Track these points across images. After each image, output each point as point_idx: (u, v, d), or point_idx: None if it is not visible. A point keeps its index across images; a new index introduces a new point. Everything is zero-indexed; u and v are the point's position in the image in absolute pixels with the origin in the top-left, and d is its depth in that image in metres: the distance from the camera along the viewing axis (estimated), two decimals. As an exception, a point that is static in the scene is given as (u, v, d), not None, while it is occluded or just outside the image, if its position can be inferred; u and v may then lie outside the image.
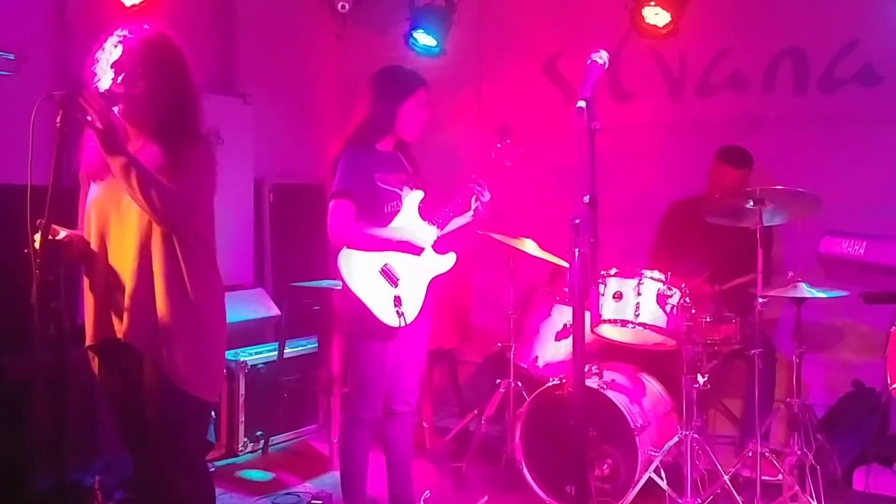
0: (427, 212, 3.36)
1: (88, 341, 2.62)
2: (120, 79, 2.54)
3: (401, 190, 3.33)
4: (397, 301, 3.18)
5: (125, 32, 2.59)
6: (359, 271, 3.18)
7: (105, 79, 2.56)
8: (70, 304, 2.64)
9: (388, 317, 3.16)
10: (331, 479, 4.13)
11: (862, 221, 4.08)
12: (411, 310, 3.22)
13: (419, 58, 5.31)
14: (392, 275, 3.22)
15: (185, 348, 2.54)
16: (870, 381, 4.20)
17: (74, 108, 2.39)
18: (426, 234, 3.28)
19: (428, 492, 3.67)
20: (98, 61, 2.60)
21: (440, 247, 3.37)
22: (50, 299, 2.43)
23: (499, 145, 3.53)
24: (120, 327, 2.55)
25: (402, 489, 3.54)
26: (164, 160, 2.54)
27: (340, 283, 3.19)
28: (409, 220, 3.31)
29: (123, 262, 2.55)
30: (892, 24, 4.37)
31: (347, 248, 3.19)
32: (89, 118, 2.41)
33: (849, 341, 4.43)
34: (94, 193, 2.63)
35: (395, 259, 3.24)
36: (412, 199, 3.35)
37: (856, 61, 4.46)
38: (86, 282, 2.63)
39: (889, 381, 3.23)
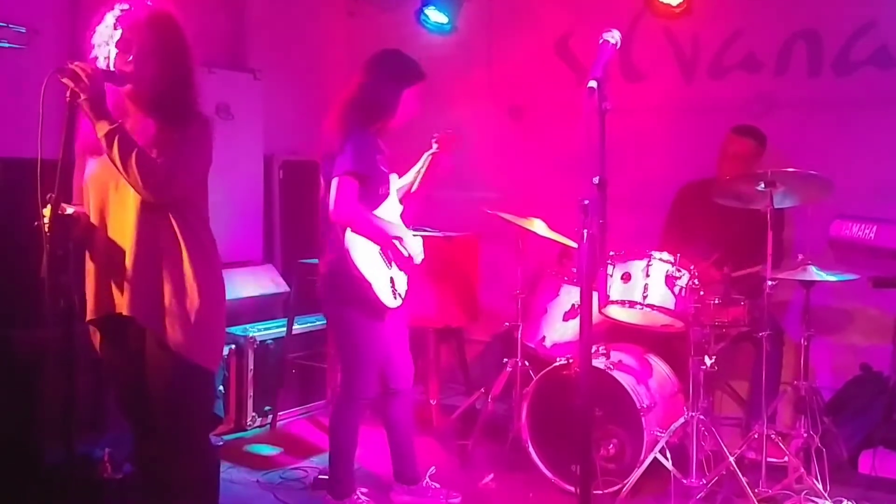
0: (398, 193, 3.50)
1: (89, 316, 2.63)
2: (129, 58, 2.54)
3: (390, 174, 3.41)
4: (392, 282, 3.29)
5: (126, 7, 2.58)
6: (363, 250, 3.23)
7: (110, 56, 2.56)
8: (78, 279, 2.66)
9: (386, 297, 3.26)
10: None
11: (874, 205, 4.05)
12: (403, 290, 3.35)
13: (430, 35, 5.30)
14: (388, 256, 3.33)
15: (186, 318, 2.56)
16: (878, 366, 4.20)
17: (65, 76, 2.40)
18: (417, 245, 3.39)
19: (433, 468, 3.69)
20: (97, 34, 2.59)
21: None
22: (59, 274, 2.47)
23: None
24: (121, 301, 2.57)
25: (406, 466, 3.59)
26: (157, 134, 2.54)
27: (345, 259, 3.20)
28: (393, 208, 3.43)
29: (123, 236, 2.56)
30: (908, 5, 4.33)
31: (345, 223, 3.20)
32: (74, 86, 2.41)
33: (857, 325, 4.42)
34: (92, 168, 2.63)
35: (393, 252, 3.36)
36: (394, 182, 3.44)
37: (871, 43, 4.41)
38: (87, 256, 2.64)
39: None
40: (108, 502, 3.19)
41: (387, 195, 3.37)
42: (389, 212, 3.39)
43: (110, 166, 2.52)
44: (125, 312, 2.56)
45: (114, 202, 2.58)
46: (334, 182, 3.17)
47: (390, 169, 3.42)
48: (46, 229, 2.39)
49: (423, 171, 3.59)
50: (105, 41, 2.57)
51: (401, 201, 3.51)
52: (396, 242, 3.31)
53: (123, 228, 2.56)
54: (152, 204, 2.53)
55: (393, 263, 3.33)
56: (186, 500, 2.71)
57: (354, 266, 3.18)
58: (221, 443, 3.46)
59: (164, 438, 2.64)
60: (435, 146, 3.57)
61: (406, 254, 3.34)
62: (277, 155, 5.40)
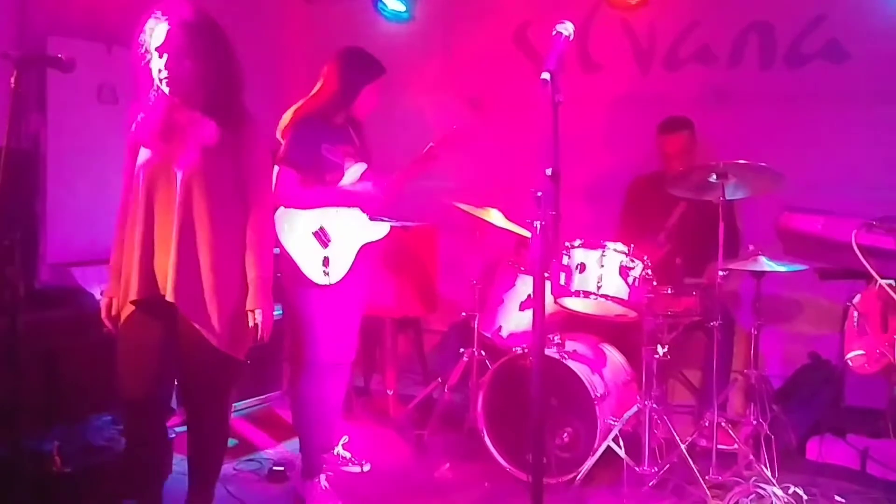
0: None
1: (133, 296, 2.77)
2: (167, 61, 2.70)
3: (344, 162, 3.48)
4: (325, 262, 3.39)
5: (164, 15, 2.71)
6: (293, 231, 3.38)
7: (154, 62, 2.71)
8: (27, 270, 2.62)
9: (314, 274, 3.36)
10: (293, 446, 4.13)
11: (824, 198, 4.12)
12: (338, 271, 3.41)
13: (388, 23, 5.27)
14: (325, 237, 3.41)
15: (222, 310, 2.74)
16: (826, 354, 4.27)
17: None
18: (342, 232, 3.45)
19: (346, 437, 3.86)
20: (142, 45, 2.72)
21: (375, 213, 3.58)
22: (5, 264, 2.44)
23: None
24: (164, 286, 2.72)
25: (312, 453, 3.55)
26: (222, 137, 2.73)
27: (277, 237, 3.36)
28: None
29: (167, 225, 2.73)
30: None
31: (286, 207, 3.38)
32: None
33: (807, 314, 4.52)
34: (144, 157, 2.79)
35: (331, 223, 3.43)
36: (354, 171, 3.50)
37: (822, 36, 4.49)
38: (136, 239, 2.77)
39: (844, 354, 3.29)
40: (57, 496, 3.14)
41: (334, 182, 3.46)
42: None
43: (163, 157, 2.73)
44: (168, 298, 2.71)
45: (162, 191, 2.74)
46: (275, 170, 3.35)
47: (352, 157, 3.50)
48: None
49: (416, 162, 3.65)
50: (152, 48, 2.71)
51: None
52: (325, 224, 3.41)
53: (169, 217, 2.73)
54: (202, 198, 2.71)
55: (332, 243, 3.41)
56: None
57: (283, 247, 3.37)
58: (174, 435, 3.41)
59: (198, 409, 2.92)
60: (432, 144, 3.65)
61: (334, 237, 3.41)
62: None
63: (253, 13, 5.44)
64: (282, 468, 3.75)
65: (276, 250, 3.30)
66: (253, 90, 5.59)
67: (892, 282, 2.28)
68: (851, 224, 2.35)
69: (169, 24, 2.69)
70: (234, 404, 4.49)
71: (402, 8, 5.12)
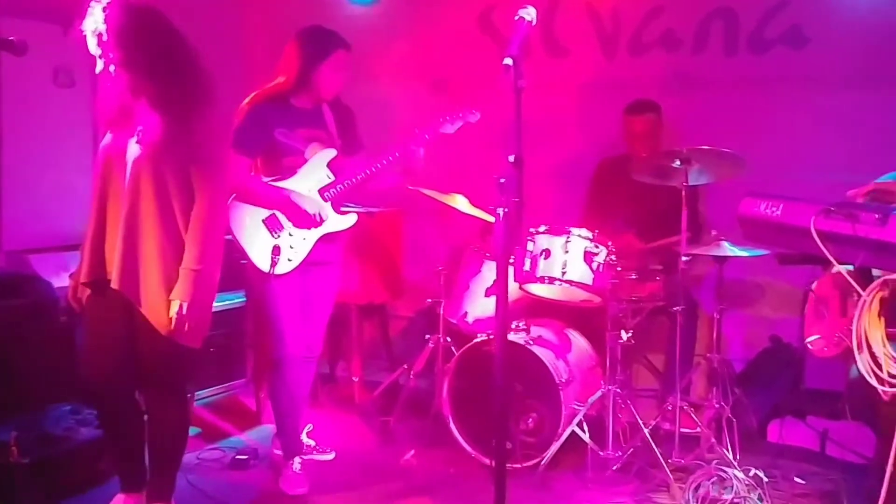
0: (339, 171, 3.44)
1: (83, 278, 2.81)
2: (103, 44, 2.68)
3: (305, 147, 3.40)
4: (276, 250, 3.32)
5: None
6: (243, 219, 3.34)
7: (91, 44, 2.69)
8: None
9: (263, 263, 3.31)
10: (257, 434, 4.12)
11: (787, 182, 4.15)
12: (290, 261, 3.34)
13: (352, 6, 5.21)
14: (277, 225, 3.36)
15: (168, 300, 2.71)
16: (787, 337, 4.34)
17: None
18: (315, 209, 3.37)
19: (310, 425, 3.84)
20: (86, 23, 2.70)
21: (340, 205, 3.48)
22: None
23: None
24: (112, 272, 2.73)
25: (284, 437, 3.56)
26: (170, 126, 2.68)
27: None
28: (311, 180, 3.40)
29: (118, 212, 2.72)
30: (820, -15, 4.45)
31: (236, 198, 3.33)
32: None
33: (768, 298, 4.57)
34: (106, 140, 2.80)
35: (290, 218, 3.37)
36: (321, 157, 3.42)
37: (784, 22, 4.52)
38: (90, 223, 2.79)
39: (805, 338, 3.33)
40: (15, 487, 3.09)
41: (294, 167, 3.39)
42: (301, 183, 3.41)
43: (119, 141, 2.73)
44: (114, 285, 2.72)
45: (115, 176, 2.74)
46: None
47: (319, 142, 3.42)
48: None
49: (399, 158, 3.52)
50: (92, 30, 2.68)
51: (333, 174, 3.45)
52: (278, 213, 3.35)
53: (120, 204, 2.72)
54: (151, 188, 2.69)
55: (284, 232, 3.35)
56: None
57: (233, 235, 3.30)
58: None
59: (154, 394, 2.93)
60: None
61: (287, 226, 3.35)
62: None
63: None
64: (245, 457, 3.73)
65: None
66: (216, 77, 5.51)
67: (849, 267, 2.30)
68: (810, 210, 2.37)
69: (105, 7, 2.66)
70: (197, 392, 4.46)
71: (366, -10, 5.07)
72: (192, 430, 4.07)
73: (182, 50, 2.77)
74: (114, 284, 2.72)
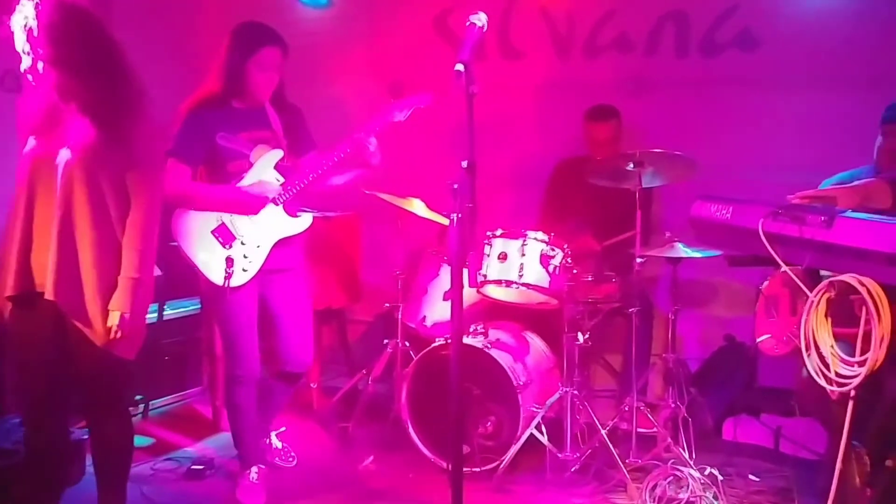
0: (288, 173, 3.34)
1: (9, 292, 2.66)
2: (32, 44, 2.57)
3: (250, 150, 3.29)
4: (229, 262, 3.21)
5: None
6: (190, 231, 3.25)
7: (19, 43, 2.58)
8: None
9: (215, 276, 3.21)
10: (214, 442, 4.06)
11: (740, 184, 4.23)
12: (245, 271, 3.24)
13: (306, 9, 5.17)
14: (227, 235, 3.25)
15: (105, 309, 2.63)
16: (741, 336, 4.39)
17: None
18: (265, 191, 3.25)
19: (284, 427, 3.83)
20: (14, 20, 2.60)
21: (294, 209, 3.37)
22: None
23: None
24: (44, 283, 2.61)
25: (243, 450, 3.49)
26: (101, 131, 2.59)
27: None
28: (260, 181, 3.29)
29: (47, 220, 2.61)
30: (770, -11, 4.51)
31: (179, 207, 3.23)
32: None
33: (722, 298, 4.63)
34: (30, 146, 2.68)
35: (235, 220, 3.26)
36: (267, 159, 3.32)
37: (735, 25, 4.58)
38: (15, 233, 2.66)
39: (756, 336, 3.38)
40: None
41: (240, 171, 3.28)
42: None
43: (47, 148, 2.62)
44: (48, 296, 2.61)
45: (44, 184, 2.62)
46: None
47: (265, 143, 3.31)
48: None
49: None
50: (22, 25, 2.58)
51: (283, 175, 3.35)
52: (226, 221, 3.26)
53: (50, 213, 2.61)
54: (84, 195, 2.59)
55: (236, 241, 3.25)
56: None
57: (181, 249, 3.21)
58: (86, 436, 3.30)
59: (92, 409, 2.85)
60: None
61: (239, 235, 3.26)
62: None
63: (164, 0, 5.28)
64: (201, 467, 3.67)
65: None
66: (167, 81, 5.44)
67: (797, 267, 2.34)
68: (759, 212, 2.40)
69: (38, 3, 2.56)
70: (151, 402, 4.40)
71: (320, -7, 5.03)
72: (146, 441, 4.04)
73: (114, 53, 2.67)
74: (48, 295, 2.61)
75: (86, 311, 2.62)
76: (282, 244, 3.34)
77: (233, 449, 3.55)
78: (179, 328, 4.58)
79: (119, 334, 2.64)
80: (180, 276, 4.44)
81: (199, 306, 4.59)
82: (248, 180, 3.30)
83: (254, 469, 3.46)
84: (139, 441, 4.01)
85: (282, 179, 3.34)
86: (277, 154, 3.34)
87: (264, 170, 3.32)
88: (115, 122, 2.62)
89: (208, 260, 3.22)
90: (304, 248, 3.51)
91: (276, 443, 3.78)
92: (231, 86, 3.23)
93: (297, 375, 3.57)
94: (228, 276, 3.19)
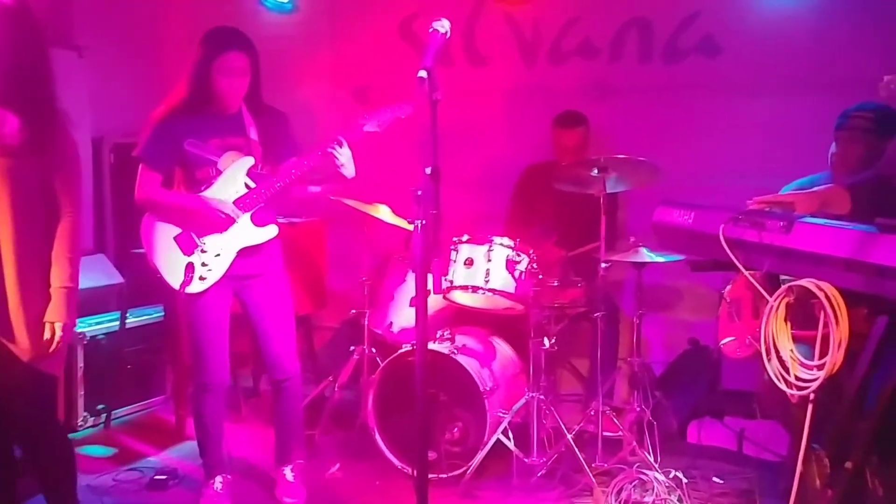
0: (261, 180, 3.28)
1: None
2: None
3: (219, 156, 3.25)
4: (189, 268, 3.19)
5: None
6: (155, 237, 3.24)
7: None
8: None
9: (175, 282, 3.21)
10: (178, 452, 4.01)
11: (703, 189, 4.25)
12: (203, 280, 3.21)
13: (270, 14, 5.14)
14: (189, 242, 3.23)
15: (29, 322, 2.54)
16: (705, 339, 4.43)
17: None
18: (225, 209, 3.20)
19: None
20: None
21: (262, 218, 3.31)
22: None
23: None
24: None
25: (208, 458, 3.44)
26: (26, 135, 2.50)
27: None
28: (228, 191, 3.25)
29: None
30: (732, -4, 4.57)
31: (148, 212, 3.26)
32: None
33: (687, 302, 4.68)
34: None
35: (199, 227, 3.24)
36: (237, 166, 3.27)
37: (697, 32, 4.63)
38: None
39: (720, 339, 3.42)
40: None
41: (208, 178, 3.24)
42: (216, 195, 3.23)
43: None
44: None
45: None
46: None
47: (236, 150, 3.25)
48: None
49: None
50: None
51: (256, 182, 3.28)
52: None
53: None
54: (7, 208, 2.51)
55: (197, 249, 3.22)
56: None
57: (147, 254, 3.22)
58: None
59: (21, 433, 2.72)
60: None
61: (200, 244, 3.23)
62: (108, 138, 5.10)
63: (127, 4, 5.22)
64: (164, 477, 3.63)
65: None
66: (133, 83, 5.38)
67: (758, 272, 2.37)
68: (720, 217, 2.43)
69: None
70: (114, 411, 4.34)
71: (285, -2, 5.01)
72: (108, 451, 3.98)
73: (42, 50, 2.59)
74: None
75: (10, 325, 2.53)
76: (251, 251, 3.28)
77: (197, 458, 3.50)
78: (142, 336, 4.52)
79: (58, 346, 2.57)
80: (143, 283, 4.41)
81: (163, 314, 4.54)
82: (216, 188, 3.24)
83: (218, 479, 3.41)
84: (101, 451, 3.99)
85: (253, 186, 3.27)
86: (248, 161, 3.28)
87: (234, 177, 3.26)
88: (43, 126, 2.54)
89: (169, 266, 3.22)
90: (280, 253, 3.44)
91: (289, 476, 3.55)
92: (198, 92, 3.17)
93: (283, 382, 3.49)
94: (186, 282, 3.17)
